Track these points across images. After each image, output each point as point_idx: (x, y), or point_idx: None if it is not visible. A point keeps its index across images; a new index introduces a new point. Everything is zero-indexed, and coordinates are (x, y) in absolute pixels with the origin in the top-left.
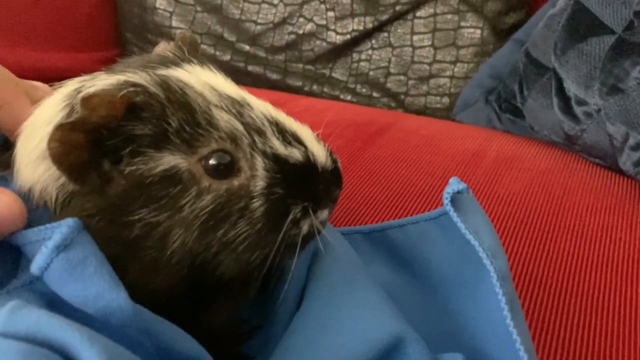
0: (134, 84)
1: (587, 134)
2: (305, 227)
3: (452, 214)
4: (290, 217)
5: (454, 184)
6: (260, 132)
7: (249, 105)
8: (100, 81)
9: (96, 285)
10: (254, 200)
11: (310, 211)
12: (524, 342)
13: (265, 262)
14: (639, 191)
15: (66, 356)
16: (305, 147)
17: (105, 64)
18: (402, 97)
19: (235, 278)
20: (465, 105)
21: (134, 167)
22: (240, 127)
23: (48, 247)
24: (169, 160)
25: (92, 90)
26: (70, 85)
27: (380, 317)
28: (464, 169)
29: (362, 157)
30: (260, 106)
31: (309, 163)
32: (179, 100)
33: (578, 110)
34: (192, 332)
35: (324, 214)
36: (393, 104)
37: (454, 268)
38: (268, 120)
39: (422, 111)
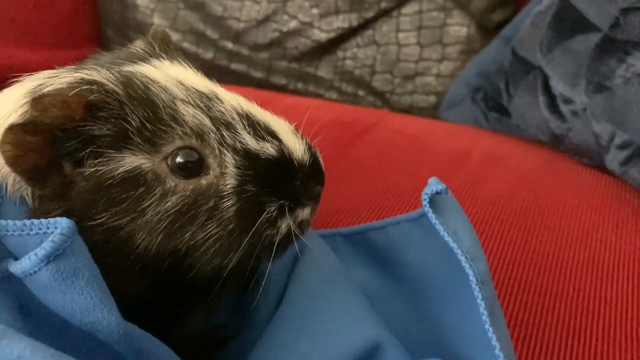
0: (90, 82)
1: (573, 132)
2: (283, 227)
3: (431, 215)
4: (265, 215)
5: (433, 185)
6: (230, 127)
7: (218, 99)
8: (62, 79)
9: (86, 300)
10: (225, 199)
11: (287, 210)
12: (503, 348)
13: (240, 265)
14: (625, 191)
15: None
16: (280, 141)
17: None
18: (388, 95)
19: (210, 282)
20: (452, 104)
21: (94, 169)
22: (208, 122)
23: (38, 256)
24: (131, 160)
25: (49, 88)
26: (34, 81)
27: (358, 322)
28: (449, 168)
29: (347, 156)
30: (231, 99)
31: (283, 158)
32: (141, 96)
33: (564, 108)
34: (167, 340)
35: (304, 212)
36: (379, 103)
37: (434, 271)
38: (238, 114)
39: (408, 110)
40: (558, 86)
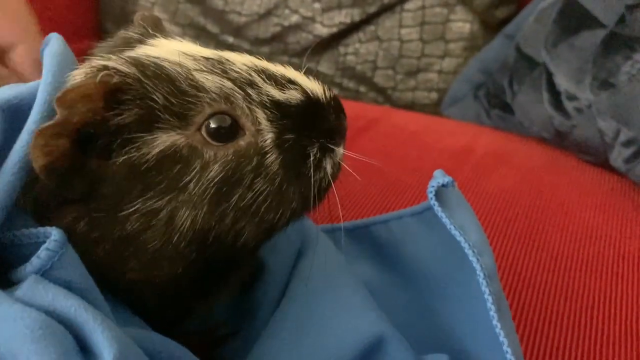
0: (106, 68)
1: (578, 129)
2: (329, 168)
3: (437, 208)
4: (311, 160)
5: (439, 177)
6: (252, 84)
7: (228, 61)
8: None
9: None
10: (267, 154)
11: (328, 147)
12: (511, 344)
13: (293, 216)
14: (630, 188)
15: (77, 336)
16: (300, 85)
17: (85, 55)
18: (390, 91)
19: (252, 251)
20: (454, 101)
21: (125, 157)
22: (229, 84)
23: (26, 270)
24: (164, 139)
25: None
26: None
27: (361, 316)
28: (452, 164)
29: (348, 151)
30: (241, 59)
31: (310, 100)
32: (156, 73)
33: (569, 105)
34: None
35: (340, 150)
36: (380, 99)
37: (438, 265)
38: (254, 70)
39: (410, 106)
40: (562, 83)
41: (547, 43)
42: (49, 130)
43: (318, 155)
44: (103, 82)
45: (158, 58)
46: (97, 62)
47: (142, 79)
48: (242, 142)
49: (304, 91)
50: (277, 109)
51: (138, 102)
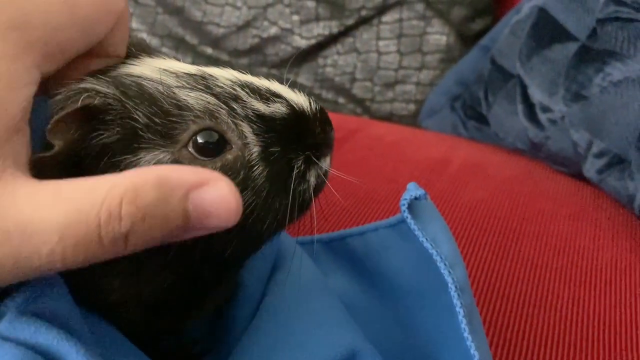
0: (86, 89)
1: (552, 141)
2: (312, 180)
3: (410, 221)
4: (295, 172)
5: (412, 190)
6: (236, 98)
7: (211, 76)
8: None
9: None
10: (254, 167)
11: (312, 160)
12: (482, 357)
13: (278, 228)
14: (603, 199)
15: None
16: (285, 99)
17: None
18: (368, 103)
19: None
20: (431, 112)
21: None
22: (213, 100)
23: (18, 299)
24: (148, 159)
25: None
26: None
27: (335, 331)
28: (429, 175)
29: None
30: (224, 73)
31: (295, 112)
32: (137, 93)
33: (542, 117)
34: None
35: (327, 161)
36: (359, 110)
37: (413, 278)
38: (238, 85)
39: (388, 118)
40: (536, 95)
41: (521, 55)
42: (44, 161)
43: (302, 168)
44: (85, 105)
45: (139, 77)
46: (75, 84)
47: (123, 98)
48: (229, 156)
49: (288, 104)
50: (263, 122)
51: (120, 122)
